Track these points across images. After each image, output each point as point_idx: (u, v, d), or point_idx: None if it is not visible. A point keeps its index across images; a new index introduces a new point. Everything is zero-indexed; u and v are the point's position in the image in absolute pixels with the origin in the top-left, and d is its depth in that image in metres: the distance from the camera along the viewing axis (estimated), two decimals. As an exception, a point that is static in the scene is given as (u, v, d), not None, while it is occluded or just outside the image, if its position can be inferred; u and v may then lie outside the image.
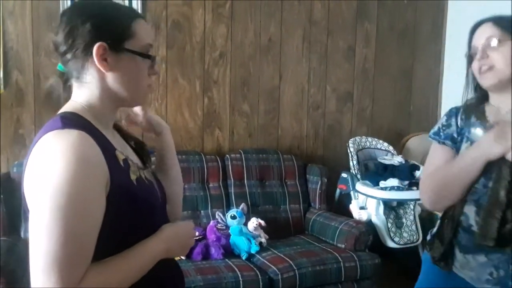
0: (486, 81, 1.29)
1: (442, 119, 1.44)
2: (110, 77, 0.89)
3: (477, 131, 1.32)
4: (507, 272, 1.24)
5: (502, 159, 1.22)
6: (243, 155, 2.96)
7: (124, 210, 0.85)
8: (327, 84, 3.38)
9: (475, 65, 1.30)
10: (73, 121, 0.84)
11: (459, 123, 1.38)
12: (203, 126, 3.05)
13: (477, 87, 1.38)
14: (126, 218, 0.86)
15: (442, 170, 1.34)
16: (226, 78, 3.08)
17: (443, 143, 1.39)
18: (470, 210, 1.29)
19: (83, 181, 0.76)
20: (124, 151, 0.93)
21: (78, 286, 0.75)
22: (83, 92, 0.91)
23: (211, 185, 2.83)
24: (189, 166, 2.78)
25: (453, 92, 3.66)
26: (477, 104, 1.37)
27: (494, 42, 1.26)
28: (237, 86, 3.12)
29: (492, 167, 1.24)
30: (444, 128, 1.41)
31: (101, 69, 0.88)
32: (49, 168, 0.76)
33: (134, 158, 0.98)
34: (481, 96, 1.37)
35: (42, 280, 0.73)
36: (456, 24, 3.65)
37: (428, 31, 3.68)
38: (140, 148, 1.06)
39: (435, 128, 1.43)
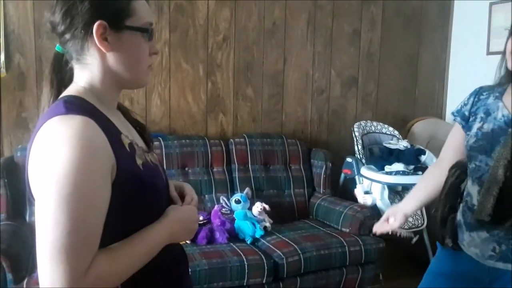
0: None
1: (466, 97, 1.46)
2: (111, 57, 0.87)
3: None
4: (508, 247, 1.26)
5: (505, 138, 1.24)
6: (247, 140, 2.94)
7: (131, 196, 0.84)
8: (332, 69, 3.35)
9: (509, 43, 1.27)
10: (76, 105, 0.82)
11: (475, 101, 1.40)
12: (207, 111, 3.03)
13: (507, 68, 1.35)
14: (133, 203, 0.85)
15: None
16: (229, 62, 3.05)
17: (455, 120, 1.45)
18: (474, 190, 1.34)
19: (89, 168, 0.74)
20: (129, 134, 0.91)
21: (86, 274, 0.73)
22: (85, 74, 0.88)
23: (215, 169, 2.82)
24: (193, 151, 2.77)
25: (459, 78, 3.64)
26: (501, 84, 1.36)
27: None
28: (240, 70, 3.09)
29: (495, 146, 1.27)
30: (463, 105, 1.44)
31: (102, 49, 0.85)
32: (54, 156, 0.74)
33: (139, 141, 0.96)
34: (509, 76, 1.34)
35: (50, 269, 0.72)
36: (463, 10, 3.60)
37: (435, 16, 3.63)
38: (142, 131, 1.04)
39: (458, 106, 1.46)
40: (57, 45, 0.90)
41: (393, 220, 1.51)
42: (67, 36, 0.86)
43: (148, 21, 0.90)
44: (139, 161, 0.87)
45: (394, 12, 3.49)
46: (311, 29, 3.25)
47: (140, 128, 1.03)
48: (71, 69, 0.90)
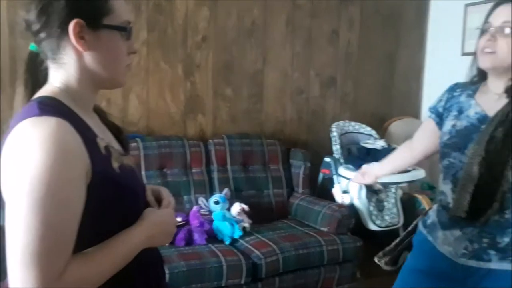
0: (483, 63, 1.30)
1: (442, 93, 1.50)
2: (88, 57, 0.85)
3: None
4: (481, 245, 1.29)
5: (478, 136, 1.27)
6: (226, 140, 2.94)
7: (108, 199, 0.83)
8: (311, 69, 3.37)
9: (481, 42, 1.30)
10: (50, 106, 0.80)
11: (448, 98, 1.44)
12: (186, 111, 3.02)
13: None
14: (109, 207, 0.84)
15: None
16: (208, 62, 3.04)
17: (430, 117, 1.50)
18: (447, 188, 1.37)
19: (62, 171, 0.73)
20: (105, 137, 0.90)
21: (59, 279, 0.73)
22: (60, 74, 0.86)
23: (194, 170, 2.81)
24: (172, 152, 2.76)
25: (435, 78, 3.70)
26: (474, 83, 1.39)
27: (508, 30, 1.24)
28: (220, 70, 3.08)
29: (468, 143, 1.30)
30: (438, 102, 1.48)
31: (79, 48, 0.83)
32: (27, 158, 0.72)
33: (115, 144, 0.95)
34: (481, 75, 1.37)
35: (22, 274, 0.70)
36: (439, 11, 3.67)
37: (412, 16, 3.69)
38: (119, 134, 1.02)
39: (435, 102, 1.50)
40: (32, 44, 0.88)
41: (367, 177, 1.84)
42: (42, 35, 0.83)
43: (126, 19, 0.89)
44: (115, 164, 0.86)
45: (372, 12, 3.53)
46: (290, 29, 3.26)
47: (116, 131, 1.02)
48: (46, 69, 0.88)
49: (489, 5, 1.35)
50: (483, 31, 1.30)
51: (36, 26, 0.84)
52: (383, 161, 1.81)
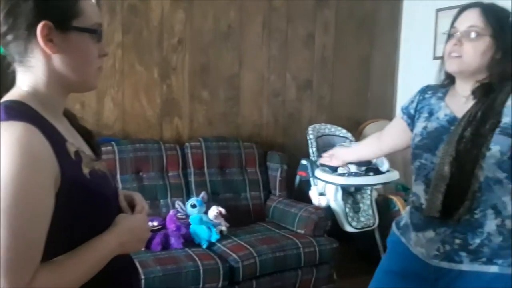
0: (450, 67, 1.33)
1: (413, 95, 1.53)
2: (57, 60, 0.83)
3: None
4: (452, 246, 1.32)
5: (449, 137, 1.30)
6: (203, 143, 2.93)
7: (78, 205, 0.82)
8: (287, 72, 3.39)
9: (447, 47, 1.33)
10: (18, 111, 0.78)
11: (420, 100, 1.47)
12: (162, 114, 3.00)
13: None
14: (80, 213, 0.83)
15: None
16: (185, 65, 3.02)
17: (402, 118, 1.52)
18: (420, 189, 1.39)
19: (30, 179, 0.72)
20: (75, 142, 0.88)
21: (28, 287, 0.71)
22: (28, 77, 0.84)
23: (170, 174, 2.79)
24: (148, 155, 2.73)
25: (408, 81, 3.78)
26: (445, 85, 1.43)
27: (473, 35, 1.27)
28: (196, 73, 3.07)
29: (438, 144, 1.33)
30: (410, 103, 1.51)
31: (47, 50, 0.81)
32: None
33: (85, 149, 0.93)
34: (450, 79, 1.41)
35: None
36: (411, 16, 3.74)
37: (386, 21, 3.75)
38: (90, 138, 1.00)
39: (407, 103, 1.53)
40: None
41: (334, 159, 1.85)
42: (9, 37, 0.81)
43: (96, 21, 0.87)
44: (85, 170, 0.84)
45: (346, 16, 3.57)
46: (266, 32, 3.27)
47: (87, 136, 1.00)
48: (13, 72, 0.86)
49: (458, 10, 1.40)
50: (449, 36, 1.34)
51: (3, 28, 0.81)
52: (352, 148, 1.88)
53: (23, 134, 0.73)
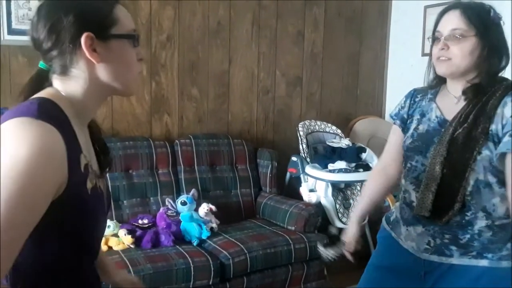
0: (440, 70, 1.34)
1: (401, 100, 1.52)
2: (101, 68, 0.86)
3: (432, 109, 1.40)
4: (442, 241, 1.33)
5: (440, 137, 1.31)
6: (193, 141, 2.92)
7: (70, 216, 0.83)
8: (277, 69, 3.39)
9: (435, 51, 1.33)
10: (49, 111, 0.80)
11: (411, 104, 1.47)
12: (151, 111, 2.98)
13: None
14: (70, 222, 0.83)
15: None
16: (174, 62, 3.01)
17: (395, 123, 1.51)
18: (410, 188, 1.40)
19: (40, 177, 0.73)
20: (88, 154, 0.89)
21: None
22: (68, 85, 0.87)
23: (160, 171, 2.77)
24: (137, 152, 2.71)
25: (397, 78, 3.80)
26: (433, 87, 1.43)
27: (458, 37, 1.27)
28: (185, 70, 3.05)
29: (430, 146, 1.33)
30: (401, 108, 1.50)
31: (92, 60, 0.84)
32: (11, 154, 0.71)
33: (94, 164, 0.94)
34: (440, 79, 1.42)
35: None
36: (400, 12, 3.77)
37: (375, 18, 3.77)
38: (103, 154, 1.00)
39: (396, 109, 1.52)
40: (41, 62, 0.88)
41: (352, 226, 1.64)
42: (54, 52, 0.85)
43: (131, 27, 0.91)
44: (89, 185, 0.86)
45: (336, 13, 3.58)
46: (255, 29, 3.27)
47: (103, 151, 1.00)
48: (51, 82, 0.88)
49: (447, 7, 1.40)
50: (434, 40, 1.34)
51: (47, 45, 0.85)
52: (360, 203, 1.65)
53: (47, 136, 0.75)
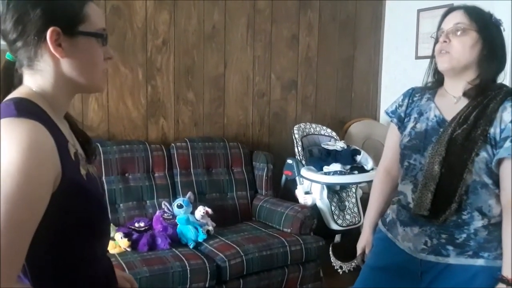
0: (441, 64, 1.36)
1: (399, 98, 1.54)
2: (65, 63, 0.87)
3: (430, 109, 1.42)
4: (439, 241, 1.34)
5: (439, 137, 1.33)
6: (189, 144, 2.93)
7: (75, 205, 0.83)
8: (272, 72, 3.41)
9: (437, 46, 1.37)
10: (27, 108, 0.80)
11: (409, 103, 1.49)
12: (147, 115, 2.99)
13: (436, 71, 1.45)
14: (75, 213, 0.84)
15: None
16: (169, 66, 3.03)
17: (392, 121, 1.52)
18: (407, 189, 1.41)
19: (35, 173, 0.73)
20: (74, 143, 0.91)
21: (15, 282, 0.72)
22: (36, 79, 0.87)
23: (156, 174, 2.78)
24: (133, 156, 2.72)
25: (391, 81, 3.84)
26: (431, 87, 1.46)
27: (460, 32, 1.31)
28: (181, 74, 3.07)
29: (428, 145, 1.35)
30: (398, 107, 1.52)
31: (56, 55, 0.85)
32: (1, 156, 0.72)
33: (81, 151, 0.95)
34: (438, 80, 1.44)
35: None
36: (394, 16, 3.81)
37: (368, 22, 3.81)
38: (86, 142, 1.01)
39: (393, 107, 1.54)
40: (7, 53, 0.89)
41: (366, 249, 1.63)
42: (19, 44, 0.85)
43: (101, 26, 0.91)
44: (83, 171, 0.87)
45: (330, 17, 3.62)
46: (250, 33, 3.29)
47: (84, 141, 1.01)
48: (21, 76, 0.89)
49: (440, 11, 1.44)
50: (438, 38, 1.38)
51: (12, 36, 0.85)
52: (371, 210, 1.63)
53: (32, 131, 0.76)
